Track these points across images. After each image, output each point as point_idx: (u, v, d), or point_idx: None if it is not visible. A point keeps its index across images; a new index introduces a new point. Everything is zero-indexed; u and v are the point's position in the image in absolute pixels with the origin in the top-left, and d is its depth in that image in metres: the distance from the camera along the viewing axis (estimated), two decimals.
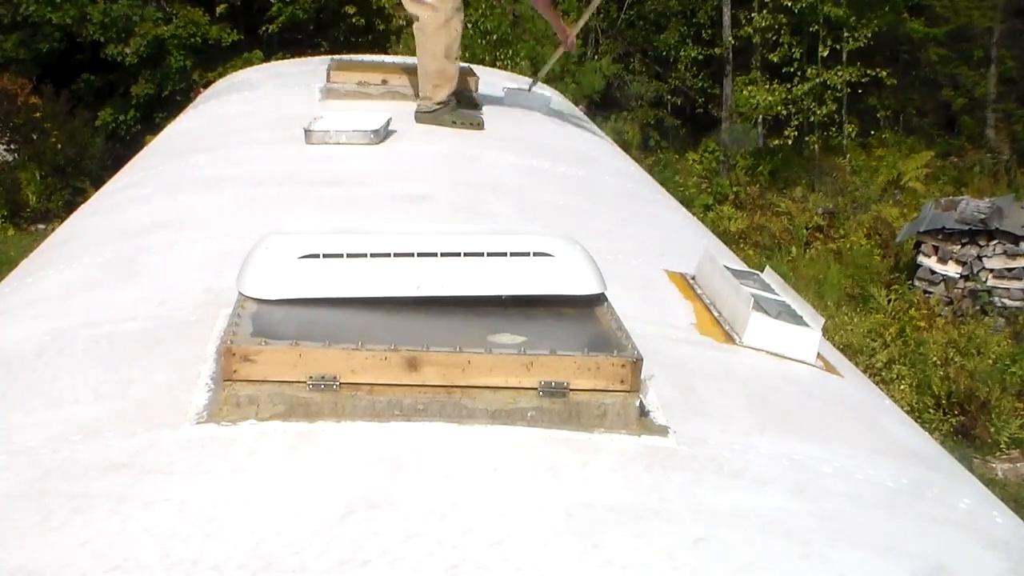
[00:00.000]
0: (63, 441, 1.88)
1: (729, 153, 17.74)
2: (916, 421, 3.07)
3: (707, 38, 19.25)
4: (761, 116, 18.27)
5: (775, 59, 18.19)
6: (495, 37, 16.19)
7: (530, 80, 6.16)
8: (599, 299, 2.25)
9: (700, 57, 19.07)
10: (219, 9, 17.79)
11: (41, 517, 1.61)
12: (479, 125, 4.76)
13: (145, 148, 5.68)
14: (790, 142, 17.72)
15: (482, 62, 12.76)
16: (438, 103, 4.72)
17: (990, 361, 9.64)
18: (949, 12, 19.33)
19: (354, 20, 17.84)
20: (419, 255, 2.17)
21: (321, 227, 2.78)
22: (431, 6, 4.72)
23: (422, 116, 4.71)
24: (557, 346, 1.97)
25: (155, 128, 10.57)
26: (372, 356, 1.91)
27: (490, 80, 6.28)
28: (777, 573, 1.61)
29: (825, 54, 17.95)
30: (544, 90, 6.03)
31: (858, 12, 17.67)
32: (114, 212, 3.89)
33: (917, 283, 11.68)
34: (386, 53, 12.78)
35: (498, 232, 2.55)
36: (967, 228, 11.33)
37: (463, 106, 5.01)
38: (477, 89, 5.39)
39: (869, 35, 17.61)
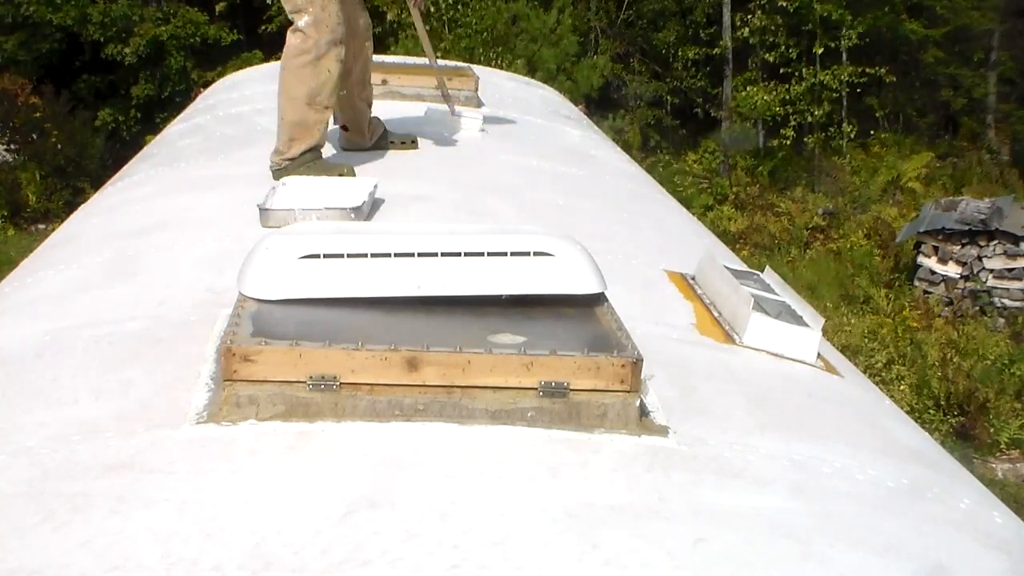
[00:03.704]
0: (63, 441, 1.88)
1: (729, 153, 17.74)
2: (916, 421, 3.07)
3: (705, 39, 19.25)
4: (760, 117, 18.27)
5: (771, 59, 18.18)
6: (490, 37, 16.19)
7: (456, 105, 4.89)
8: (599, 299, 2.25)
9: (698, 58, 19.06)
10: (219, 7, 17.79)
11: (41, 517, 1.61)
12: (342, 174, 3.76)
13: (145, 148, 5.69)
14: (788, 143, 17.72)
15: (478, 61, 12.76)
16: (291, 159, 3.73)
17: (988, 361, 9.64)
18: (949, 13, 19.32)
19: None
20: (419, 255, 2.17)
21: (321, 227, 2.78)
22: (301, 33, 3.68)
23: (277, 174, 3.72)
24: (557, 346, 1.97)
25: (155, 128, 10.58)
26: (372, 356, 1.91)
27: (491, 80, 6.29)
28: (777, 573, 1.61)
29: (820, 52, 17.95)
30: (470, 114, 4.84)
31: (853, 10, 17.67)
32: (114, 212, 3.89)
33: (917, 283, 11.69)
34: (385, 53, 12.78)
35: (498, 232, 2.55)
36: (967, 228, 11.34)
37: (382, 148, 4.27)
38: (477, 89, 5.40)
39: (862, 31, 17.59)
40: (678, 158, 17.68)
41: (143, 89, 17.22)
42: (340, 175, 3.73)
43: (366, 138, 4.24)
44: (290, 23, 3.75)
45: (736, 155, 17.76)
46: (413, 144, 4.38)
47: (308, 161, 3.75)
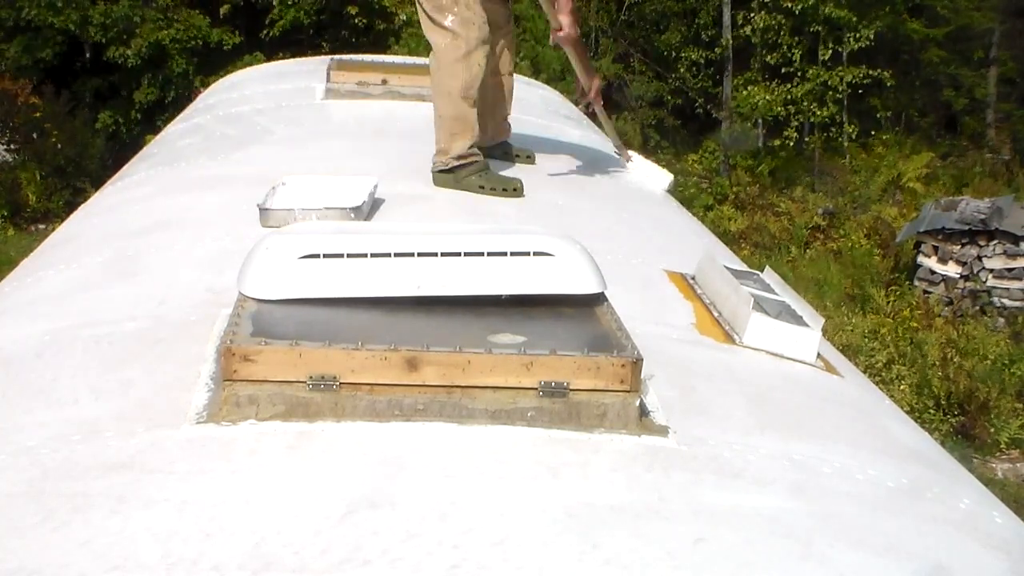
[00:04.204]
0: (63, 441, 1.88)
1: (729, 153, 17.73)
2: (916, 421, 3.07)
3: (707, 39, 19.24)
4: (761, 117, 18.26)
5: (773, 61, 18.18)
6: None
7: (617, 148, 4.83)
8: (599, 299, 2.25)
9: (701, 60, 19.05)
10: (222, 10, 17.79)
11: (41, 517, 1.61)
12: (516, 190, 3.77)
13: (145, 148, 5.69)
14: (791, 143, 17.72)
15: None
16: (458, 158, 3.78)
17: (989, 361, 9.64)
18: (950, 13, 19.33)
19: (356, 21, 17.84)
20: (419, 255, 2.17)
21: (321, 227, 2.78)
22: (450, 32, 3.78)
23: (440, 177, 3.80)
24: (557, 346, 1.97)
25: (156, 130, 10.59)
26: (372, 356, 1.91)
27: None
28: (777, 573, 1.61)
29: (827, 56, 17.95)
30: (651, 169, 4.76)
31: (859, 12, 17.67)
32: (114, 212, 3.89)
33: (917, 283, 11.68)
34: (386, 53, 12.78)
35: (498, 232, 2.56)
36: (967, 228, 11.33)
37: (500, 159, 4.16)
38: None
39: (871, 36, 17.60)
40: (679, 158, 17.67)
41: (145, 93, 17.24)
42: (506, 190, 3.77)
43: (484, 137, 4.02)
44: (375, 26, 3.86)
45: (736, 155, 17.75)
46: (530, 159, 4.35)
47: (478, 170, 3.79)
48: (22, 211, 14.46)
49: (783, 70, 18.16)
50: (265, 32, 18.07)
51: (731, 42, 18.76)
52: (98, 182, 7.90)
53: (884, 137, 17.93)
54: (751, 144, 18.39)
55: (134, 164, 5.06)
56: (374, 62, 6.14)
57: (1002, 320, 11.07)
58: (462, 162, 3.78)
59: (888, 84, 17.79)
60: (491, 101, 4.11)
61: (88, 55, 17.70)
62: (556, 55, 16.28)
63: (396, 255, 2.17)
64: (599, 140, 5.89)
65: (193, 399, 1.98)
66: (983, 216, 11.34)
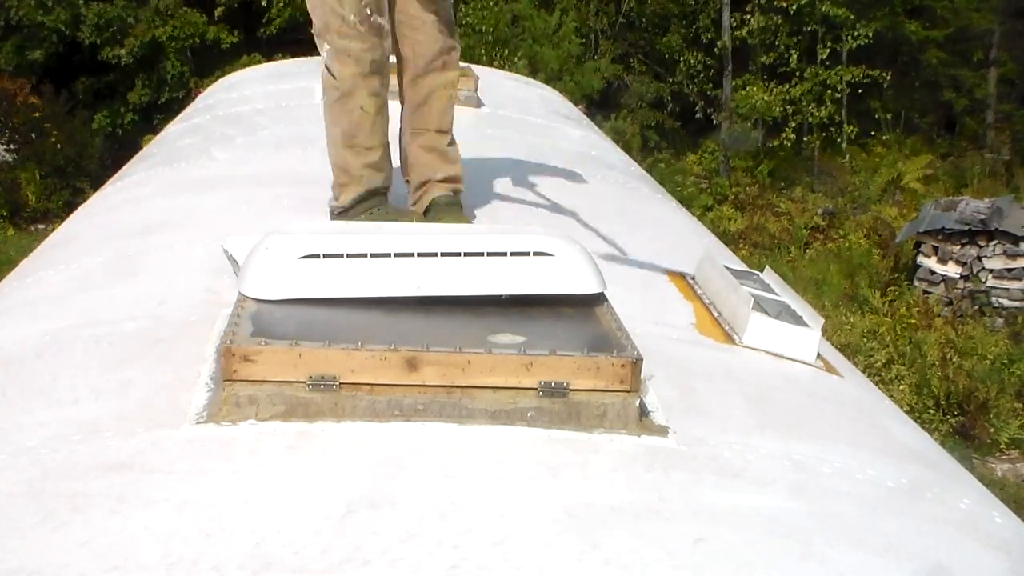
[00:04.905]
0: (63, 441, 1.88)
1: (729, 154, 17.73)
2: (916, 421, 3.07)
3: (706, 41, 19.24)
4: (760, 117, 18.26)
5: (768, 61, 18.19)
6: (491, 37, 16.20)
7: None
8: (599, 299, 2.25)
9: (701, 64, 19.05)
10: (217, 12, 17.76)
11: (41, 517, 1.61)
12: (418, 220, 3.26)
13: (145, 148, 5.69)
14: (788, 143, 17.72)
15: (479, 61, 12.76)
16: (346, 205, 3.21)
17: (988, 361, 9.64)
18: (949, 14, 19.33)
19: None
20: (419, 255, 2.17)
21: (321, 227, 2.78)
22: (328, 72, 3.16)
23: (335, 216, 3.26)
24: (557, 346, 1.97)
25: (153, 130, 10.58)
26: (372, 356, 1.91)
27: (490, 80, 6.29)
28: (777, 573, 1.61)
29: (825, 56, 17.96)
30: None
31: (857, 12, 17.67)
32: (114, 212, 3.89)
33: (917, 283, 11.69)
34: None
35: (498, 232, 2.56)
36: (967, 228, 11.34)
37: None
38: (477, 89, 5.40)
39: (870, 34, 17.60)
40: (678, 158, 17.68)
41: (139, 95, 17.21)
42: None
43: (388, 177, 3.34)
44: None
45: (736, 155, 17.75)
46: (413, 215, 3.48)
47: (372, 207, 3.23)
48: (22, 211, 14.47)
49: (780, 70, 18.16)
50: (262, 30, 18.04)
51: (730, 43, 18.75)
52: (97, 182, 7.90)
53: (884, 137, 17.93)
54: (750, 144, 18.38)
55: (134, 164, 5.06)
56: None
57: (1001, 320, 11.07)
58: (351, 208, 3.24)
59: (884, 83, 17.78)
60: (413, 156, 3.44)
61: (84, 55, 17.67)
62: (555, 55, 16.29)
63: (396, 255, 2.17)
64: (599, 140, 5.90)
65: (193, 399, 1.98)
66: (983, 216, 11.35)
